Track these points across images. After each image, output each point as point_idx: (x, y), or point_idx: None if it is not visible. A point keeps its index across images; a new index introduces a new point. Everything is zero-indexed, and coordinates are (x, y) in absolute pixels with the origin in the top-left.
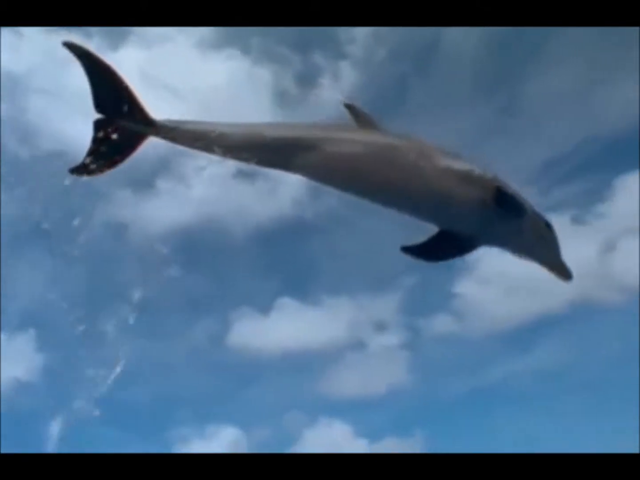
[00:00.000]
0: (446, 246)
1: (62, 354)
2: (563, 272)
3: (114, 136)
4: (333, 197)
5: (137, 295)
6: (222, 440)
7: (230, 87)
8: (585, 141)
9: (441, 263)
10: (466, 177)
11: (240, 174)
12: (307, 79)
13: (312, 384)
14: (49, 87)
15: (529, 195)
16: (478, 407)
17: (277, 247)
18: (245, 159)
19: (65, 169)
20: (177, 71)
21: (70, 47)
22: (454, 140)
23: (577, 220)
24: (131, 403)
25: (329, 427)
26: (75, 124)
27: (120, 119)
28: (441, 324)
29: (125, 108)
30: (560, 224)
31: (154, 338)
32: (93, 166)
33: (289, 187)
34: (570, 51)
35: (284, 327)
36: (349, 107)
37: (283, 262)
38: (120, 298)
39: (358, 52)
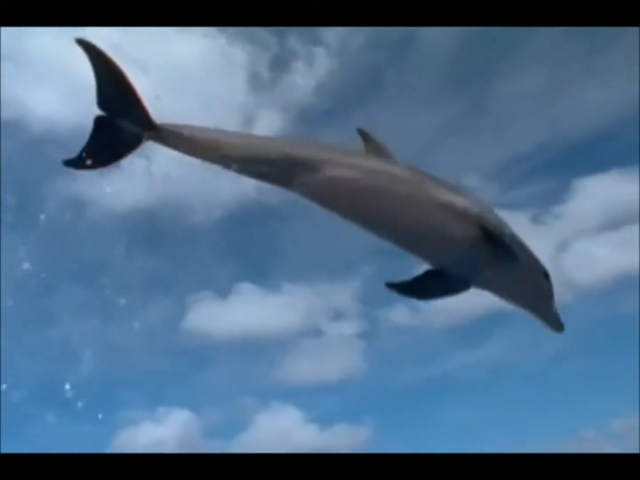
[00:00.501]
0: (434, 285)
1: (7, 333)
2: (555, 324)
3: (113, 135)
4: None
5: (91, 273)
6: (172, 422)
7: (204, 64)
8: (548, 142)
9: (399, 256)
10: (464, 216)
11: None
12: (282, 63)
13: (266, 369)
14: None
15: (490, 192)
16: (429, 397)
17: (239, 232)
18: (248, 172)
19: (21, 138)
20: (148, 45)
21: (82, 44)
22: (423, 133)
23: (535, 220)
24: (79, 383)
25: (281, 412)
26: (33, 92)
27: (121, 119)
28: (398, 315)
29: (128, 109)
30: (518, 222)
31: (107, 318)
32: (88, 161)
33: None
34: (540, 54)
35: (242, 312)
36: (362, 133)
37: (244, 247)
38: (74, 276)
39: (334, 40)
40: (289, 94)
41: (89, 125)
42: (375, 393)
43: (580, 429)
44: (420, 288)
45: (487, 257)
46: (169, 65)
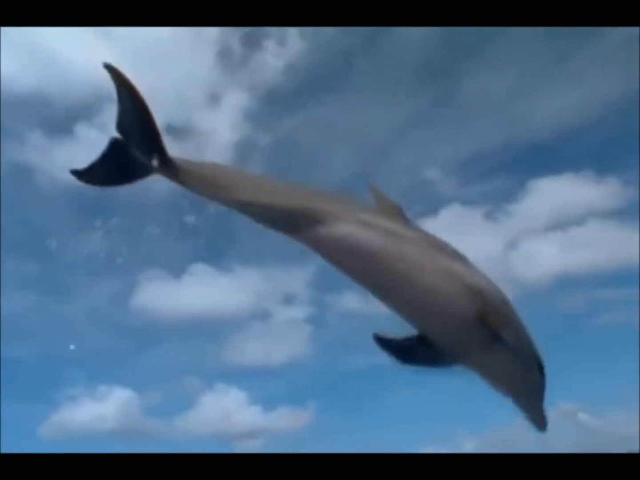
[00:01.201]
0: (421, 353)
1: None
2: (538, 420)
3: (124, 160)
4: (259, 165)
5: (35, 245)
6: (113, 400)
7: (173, 38)
8: (509, 142)
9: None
10: (471, 293)
11: (168, 131)
12: (253, 41)
13: (213, 350)
14: None
15: (448, 186)
16: (374, 384)
17: (198, 210)
18: (254, 215)
19: None
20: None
21: (110, 69)
22: (388, 122)
23: (488, 216)
24: (18, 359)
25: (225, 393)
26: None
27: (135, 148)
28: (348, 301)
29: (144, 141)
30: (472, 218)
31: (51, 292)
32: (94, 177)
33: (215, 149)
34: (509, 55)
35: (194, 292)
36: (373, 190)
37: (202, 226)
38: (16, 247)
39: None
40: (258, 73)
41: (42, 89)
42: (320, 377)
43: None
44: (405, 352)
45: (483, 339)
46: (138, 37)
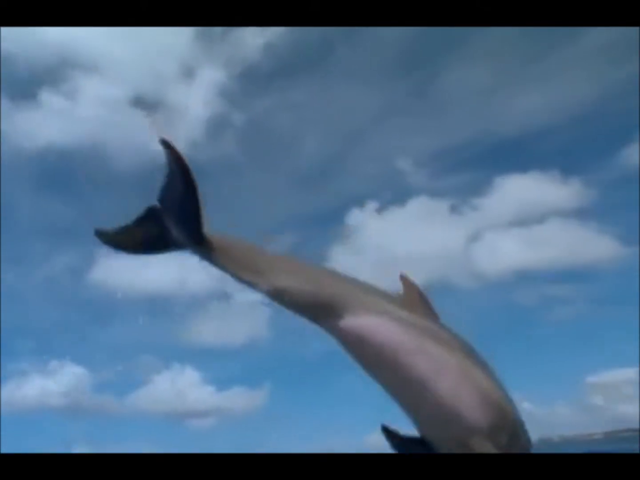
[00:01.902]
0: (419, 449)
1: None
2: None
3: (157, 231)
4: (231, 145)
5: None
6: (63, 377)
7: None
8: (481, 137)
9: (322, 227)
10: (486, 404)
11: (138, 103)
12: None
13: (171, 329)
14: None
15: (419, 177)
16: (329, 369)
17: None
18: (282, 300)
19: None
20: None
21: (165, 144)
22: (364, 110)
23: (454, 209)
24: None
25: (180, 373)
26: None
27: (172, 222)
28: None
29: (184, 219)
30: (439, 209)
31: (5, 260)
32: (121, 241)
33: (187, 125)
34: (488, 53)
35: (154, 269)
36: (403, 279)
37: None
38: None
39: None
40: (236, 50)
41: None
42: (277, 361)
43: None
44: (406, 447)
45: (485, 448)
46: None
